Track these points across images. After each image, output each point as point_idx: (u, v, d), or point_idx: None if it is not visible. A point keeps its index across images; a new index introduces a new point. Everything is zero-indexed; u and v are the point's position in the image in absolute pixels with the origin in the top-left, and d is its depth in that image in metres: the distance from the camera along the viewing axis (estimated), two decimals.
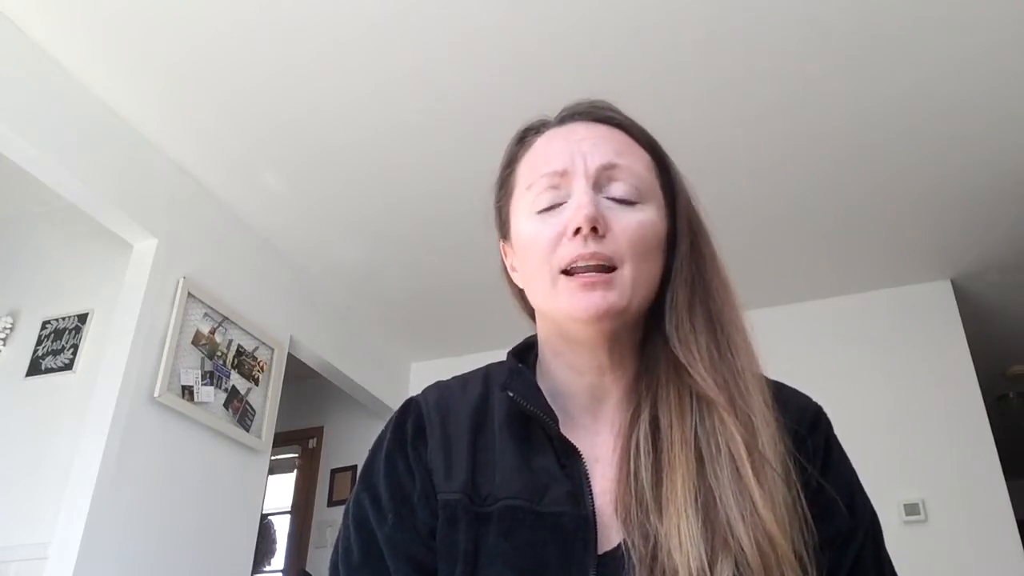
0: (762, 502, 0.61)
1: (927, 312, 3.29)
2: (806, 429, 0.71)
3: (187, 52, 2.30)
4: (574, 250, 0.68)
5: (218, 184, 2.87)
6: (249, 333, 2.94)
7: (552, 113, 0.81)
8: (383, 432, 0.78)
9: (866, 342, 3.31)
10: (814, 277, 3.35)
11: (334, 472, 4.17)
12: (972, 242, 3.09)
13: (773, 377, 0.74)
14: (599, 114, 0.77)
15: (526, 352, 0.82)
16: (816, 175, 2.74)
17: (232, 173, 2.82)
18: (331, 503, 4.09)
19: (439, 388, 0.80)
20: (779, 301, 3.44)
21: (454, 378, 0.82)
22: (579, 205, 0.69)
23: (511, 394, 0.73)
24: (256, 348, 2.97)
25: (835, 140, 2.58)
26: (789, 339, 3.32)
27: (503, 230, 0.81)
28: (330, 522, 4.02)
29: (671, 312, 0.71)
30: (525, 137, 0.80)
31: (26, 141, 2.23)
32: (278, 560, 4.34)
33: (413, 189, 2.84)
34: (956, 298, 3.28)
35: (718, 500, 0.62)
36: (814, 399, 0.77)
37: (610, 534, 0.67)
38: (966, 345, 3.17)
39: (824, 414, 0.75)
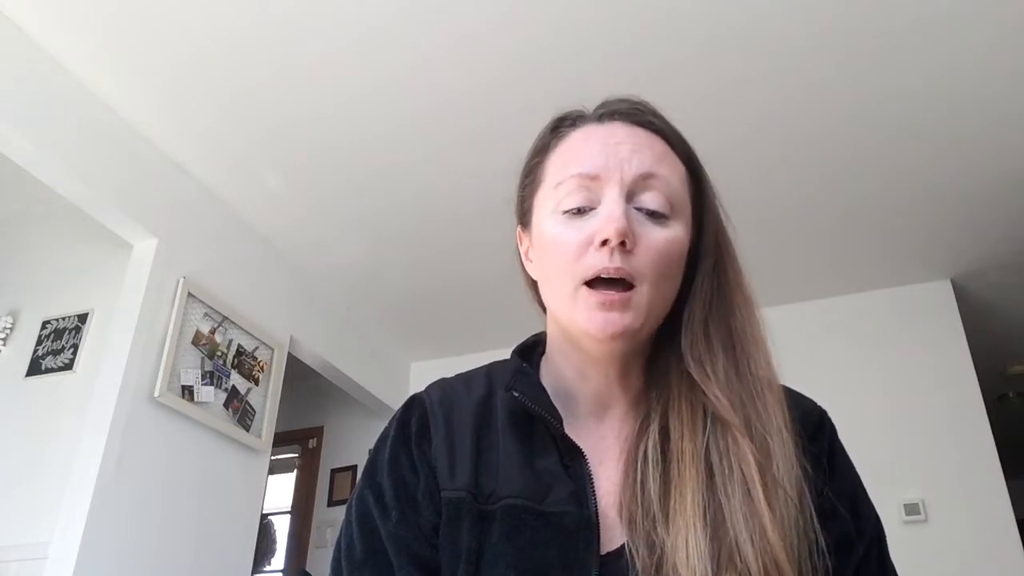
0: (772, 527, 0.60)
1: (927, 312, 3.29)
2: (810, 434, 0.70)
3: (187, 52, 2.30)
4: (599, 262, 0.66)
5: (218, 184, 2.87)
6: (249, 333, 2.94)
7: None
8: (387, 429, 0.78)
9: (866, 342, 3.31)
10: (814, 277, 3.35)
11: (334, 472, 4.17)
12: (972, 242, 3.09)
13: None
14: (640, 117, 0.74)
15: (530, 350, 0.81)
16: (816, 175, 2.75)
17: (232, 173, 2.82)
18: (331, 503, 4.09)
19: (442, 385, 0.79)
20: (779, 301, 3.44)
21: (457, 376, 0.81)
22: (610, 216, 0.67)
23: (516, 394, 0.72)
24: (256, 348, 2.97)
25: (835, 140, 2.58)
26: (789, 339, 3.27)
27: (523, 219, 0.79)
28: (330, 522, 4.02)
29: (687, 330, 0.70)
30: (559, 127, 0.77)
31: (26, 141, 2.23)
32: (278, 560, 4.34)
33: (413, 189, 2.84)
34: (956, 298, 3.28)
35: (727, 518, 0.62)
36: (818, 403, 0.76)
37: (613, 536, 0.66)
38: (966, 345, 3.17)
39: (828, 419, 0.75)
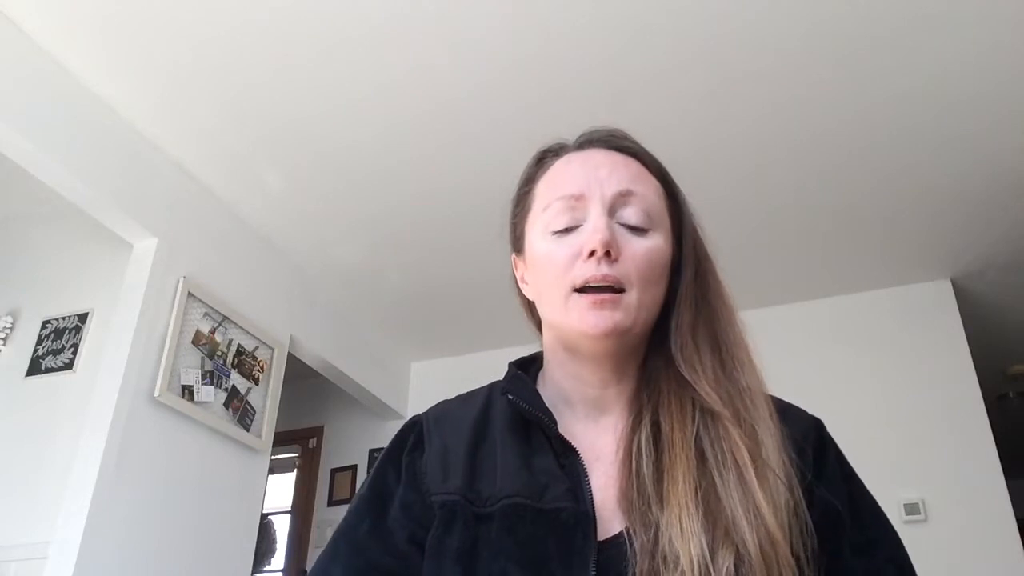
0: (765, 504, 0.64)
1: (927, 312, 3.29)
2: (812, 445, 0.73)
3: (187, 52, 2.30)
4: (588, 271, 0.71)
5: (218, 184, 2.87)
6: (249, 333, 2.94)
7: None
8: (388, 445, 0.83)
9: (866, 342, 3.31)
10: (814, 277, 3.35)
11: (334, 472, 4.17)
12: (972, 242, 3.09)
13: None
14: (616, 143, 0.81)
15: (528, 364, 0.85)
16: (816, 175, 2.75)
17: (232, 173, 2.82)
18: (331, 503, 4.09)
19: (442, 405, 0.85)
20: (779, 301, 3.44)
21: (457, 396, 0.86)
22: (595, 229, 0.72)
23: (510, 396, 0.76)
24: (256, 348, 2.97)
25: (835, 140, 2.58)
26: (789, 339, 3.32)
27: (516, 245, 0.85)
28: (330, 522, 4.02)
29: (676, 333, 0.75)
30: (544, 158, 0.84)
31: (26, 141, 2.23)
32: (278, 560, 4.34)
33: (413, 189, 2.84)
34: (956, 298, 3.28)
35: (720, 497, 0.65)
36: (812, 413, 0.79)
37: (610, 527, 0.69)
38: (966, 345, 3.17)
39: (826, 429, 0.78)
